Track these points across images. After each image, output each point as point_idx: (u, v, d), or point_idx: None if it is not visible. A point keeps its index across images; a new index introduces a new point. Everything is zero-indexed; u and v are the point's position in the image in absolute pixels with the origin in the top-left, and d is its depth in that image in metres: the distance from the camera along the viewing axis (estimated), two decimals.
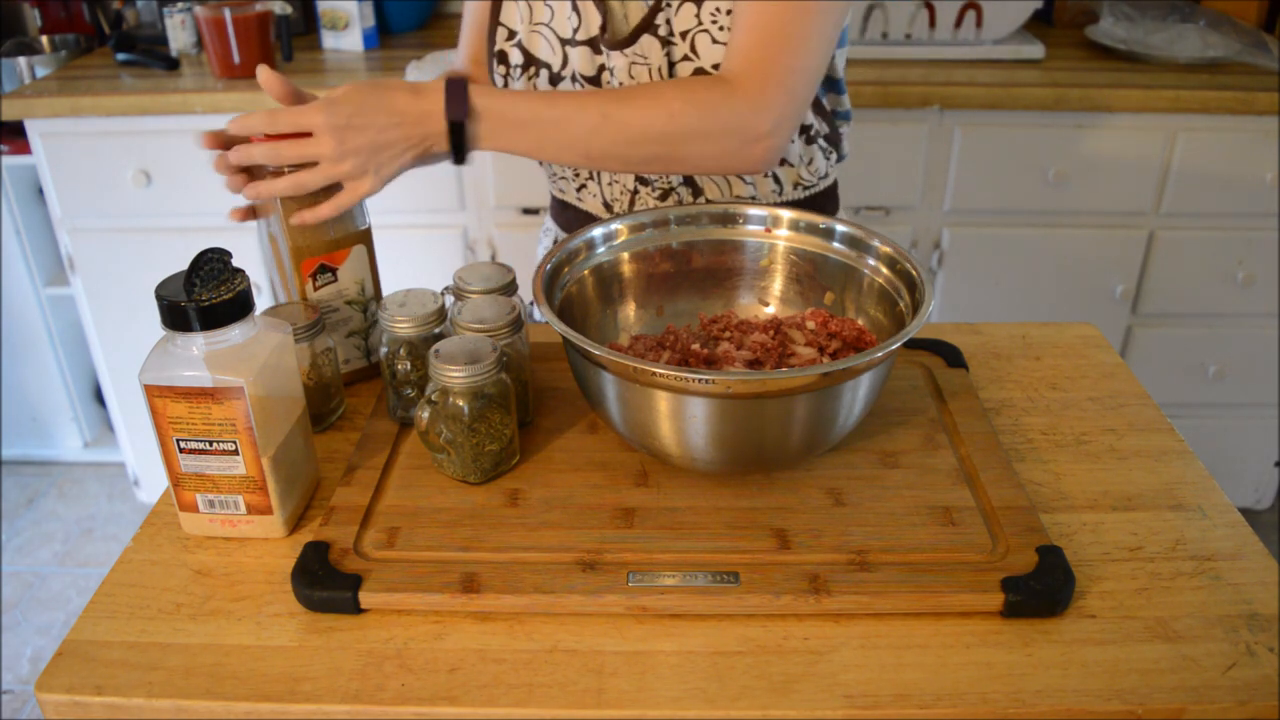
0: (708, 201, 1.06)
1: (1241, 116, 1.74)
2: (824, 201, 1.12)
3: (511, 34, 1.02)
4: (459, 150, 0.89)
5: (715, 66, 0.95)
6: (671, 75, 0.97)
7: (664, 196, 1.06)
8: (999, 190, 1.83)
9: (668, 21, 0.95)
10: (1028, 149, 1.80)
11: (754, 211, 0.94)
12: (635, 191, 1.06)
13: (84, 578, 2.08)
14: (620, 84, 0.98)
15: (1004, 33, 1.89)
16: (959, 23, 1.87)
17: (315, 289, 0.90)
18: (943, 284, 1.93)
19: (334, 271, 0.90)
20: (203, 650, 0.67)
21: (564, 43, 1.00)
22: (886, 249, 0.87)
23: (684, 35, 0.95)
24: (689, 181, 1.05)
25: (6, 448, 2.38)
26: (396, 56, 1.97)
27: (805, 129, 1.04)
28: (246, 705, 0.63)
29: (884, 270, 0.87)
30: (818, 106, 1.04)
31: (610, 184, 1.07)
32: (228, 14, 1.79)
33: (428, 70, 1.80)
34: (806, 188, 1.09)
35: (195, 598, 0.72)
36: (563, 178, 1.11)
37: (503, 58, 1.04)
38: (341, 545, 0.73)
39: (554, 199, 1.18)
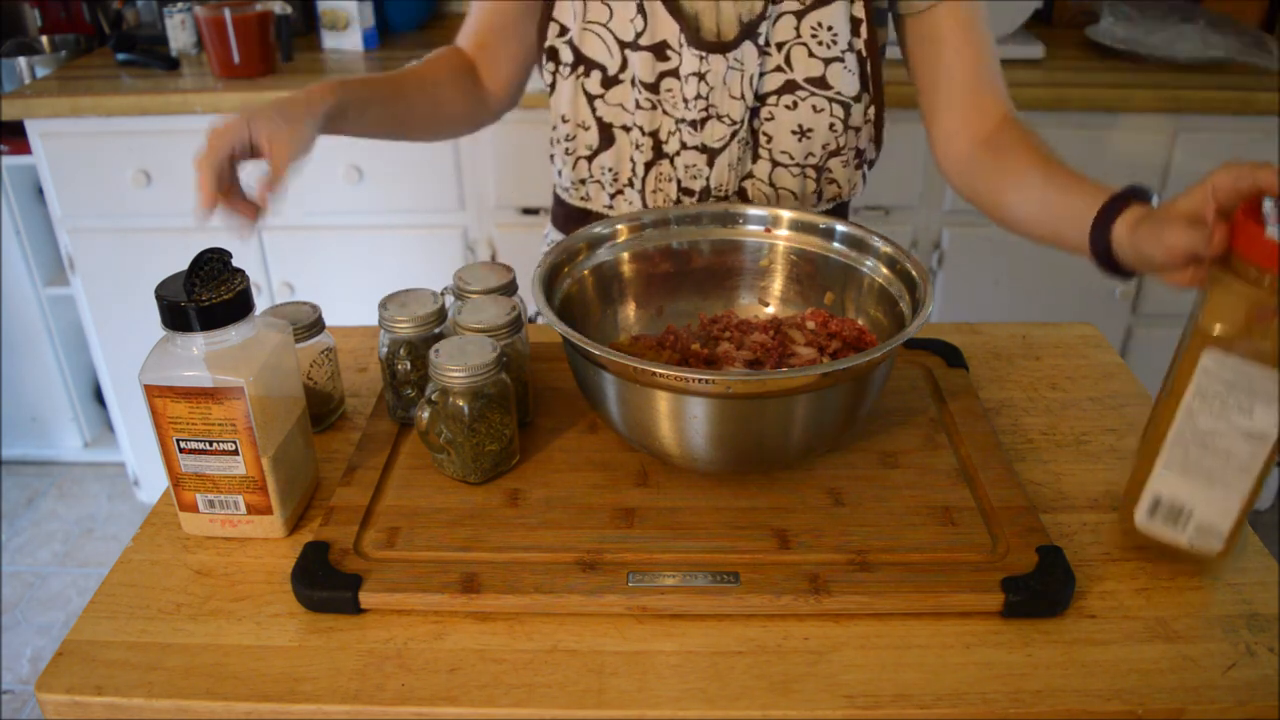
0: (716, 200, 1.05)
1: (1241, 117, 1.74)
2: (842, 211, 1.12)
3: (564, 30, 1.00)
4: None
5: (807, 80, 0.97)
6: (759, 84, 0.98)
7: None
8: None
9: (765, 31, 0.96)
10: None
11: (754, 211, 0.94)
12: (678, 201, 1.04)
13: (84, 578, 2.08)
14: (713, 89, 0.96)
15: (1004, 33, 1.89)
16: None
17: None
18: (943, 284, 1.93)
19: None
20: (203, 650, 0.67)
21: (623, 45, 0.98)
22: (887, 249, 0.87)
23: (780, 47, 0.96)
24: (740, 192, 1.04)
25: (6, 448, 2.38)
26: (396, 56, 1.97)
27: (860, 154, 1.05)
28: (246, 705, 0.63)
29: (884, 270, 0.87)
30: (878, 137, 1.05)
31: (654, 192, 1.04)
32: (228, 14, 1.79)
33: None
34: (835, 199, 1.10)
35: (195, 598, 0.72)
36: (595, 181, 1.06)
37: (553, 54, 1.01)
38: (341, 545, 0.73)
39: (567, 208, 1.12)
